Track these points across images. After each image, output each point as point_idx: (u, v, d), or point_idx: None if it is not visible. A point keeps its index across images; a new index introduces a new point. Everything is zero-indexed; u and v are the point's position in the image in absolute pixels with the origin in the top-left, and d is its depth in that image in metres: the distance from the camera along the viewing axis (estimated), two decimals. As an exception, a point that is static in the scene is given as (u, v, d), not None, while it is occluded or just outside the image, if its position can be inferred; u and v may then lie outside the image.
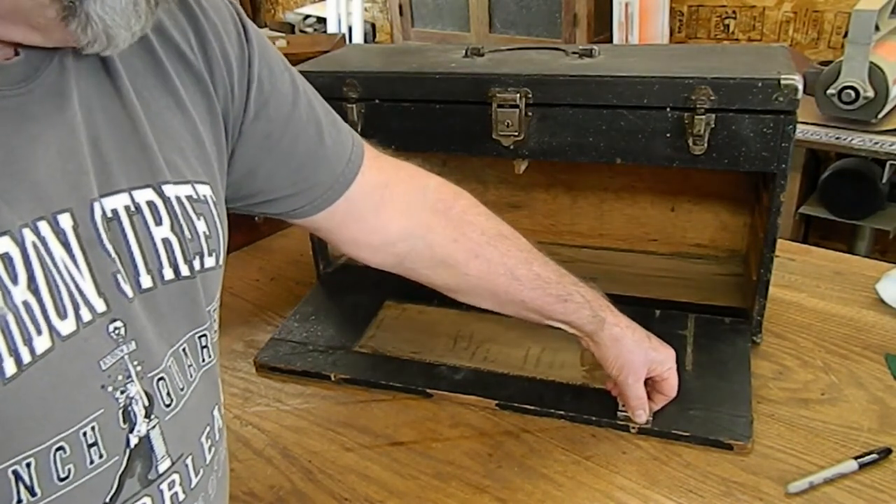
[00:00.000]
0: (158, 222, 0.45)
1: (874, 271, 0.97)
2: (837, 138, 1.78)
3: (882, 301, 0.91)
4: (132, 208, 0.43)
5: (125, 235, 0.43)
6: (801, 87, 0.72)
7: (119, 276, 0.42)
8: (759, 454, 0.70)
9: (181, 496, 0.46)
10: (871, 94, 1.71)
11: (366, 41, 3.19)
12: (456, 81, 0.84)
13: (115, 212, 0.42)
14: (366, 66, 0.91)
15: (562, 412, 0.76)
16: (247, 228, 1.18)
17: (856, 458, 0.67)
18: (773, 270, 0.81)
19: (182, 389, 0.46)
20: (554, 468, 0.70)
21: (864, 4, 1.65)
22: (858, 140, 1.76)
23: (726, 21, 2.47)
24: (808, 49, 2.33)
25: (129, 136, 0.44)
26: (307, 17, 3.49)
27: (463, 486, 0.69)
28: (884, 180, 1.79)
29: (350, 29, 3.04)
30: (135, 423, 0.42)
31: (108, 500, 0.41)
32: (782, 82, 0.72)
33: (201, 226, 0.48)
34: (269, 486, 0.71)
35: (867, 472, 0.67)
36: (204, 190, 0.49)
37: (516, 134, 0.82)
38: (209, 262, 0.49)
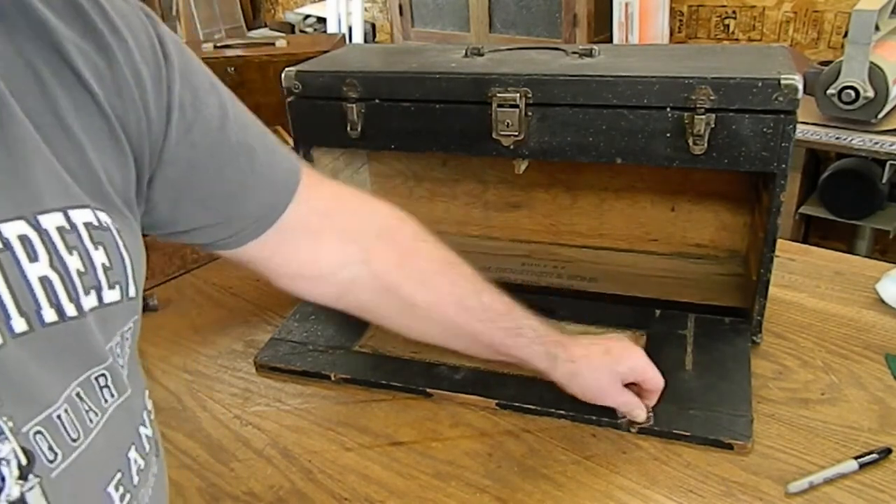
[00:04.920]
0: (33, 258, 0.39)
1: (874, 271, 0.97)
2: (837, 138, 1.79)
3: (882, 301, 0.91)
4: None
5: None
6: (801, 87, 0.72)
7: None
8: (759, 454, 0.70)
9: None
10: (871, 94, 1.71)
11: (366, 41, 3.19)
12: (456, 81, 0.84)
13: None
14: (366, 66, 0.91)
15: (562, 412, 0.76)
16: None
17: (856, 458, 0.67)
18: (773, 270, 0.81)
19: (76, 440, 0.41)
20: (554, 468, 0.70)
21: (864, 4, 1.65)
22: (858, 140, 1.76)
23: (726, 21, 2.47)
24: (808, 49, 2.33)
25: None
26: (307, 17, 3.50)
27: (463, 486, 0.69)
28: (884, 180, 1.79)
29: (350, 29, 3.05)
30: (1, 488, 0.36)
31: None
32: (782, 82, 0.72)
33: (99, 256, 0.42)
34: (269, 486, 0.71)
35: (867, 472, 0.67)
36: (103, 217, 0.44)
37: (516, 134, 0.82)
38: (110, 295, 0.43)
